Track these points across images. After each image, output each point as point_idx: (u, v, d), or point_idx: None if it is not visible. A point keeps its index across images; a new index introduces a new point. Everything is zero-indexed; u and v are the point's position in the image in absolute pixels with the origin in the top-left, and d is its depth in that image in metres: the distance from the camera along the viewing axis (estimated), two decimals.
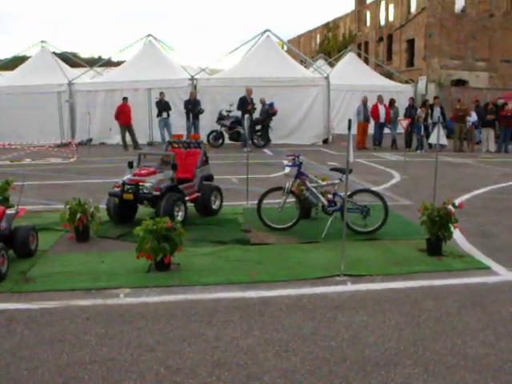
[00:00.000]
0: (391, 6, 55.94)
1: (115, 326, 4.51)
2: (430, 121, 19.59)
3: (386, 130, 21.38)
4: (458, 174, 14.05)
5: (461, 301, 5.07)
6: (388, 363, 3.86)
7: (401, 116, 20.11)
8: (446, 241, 6.39)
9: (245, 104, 19.76)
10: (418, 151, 19.57)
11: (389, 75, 35.64)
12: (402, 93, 28.46)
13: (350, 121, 5.61)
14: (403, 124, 14.29)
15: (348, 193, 7.33)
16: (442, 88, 36.69)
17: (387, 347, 4.11)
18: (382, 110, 20.56)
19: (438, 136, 8.13)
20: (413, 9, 51.29)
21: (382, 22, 58.32)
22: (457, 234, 7.18)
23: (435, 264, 6.12)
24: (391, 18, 56.00)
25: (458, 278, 5.73)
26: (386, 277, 5.70)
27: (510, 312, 4.83)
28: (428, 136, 19.48)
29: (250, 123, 19.36)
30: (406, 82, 33.52)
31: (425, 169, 14.02)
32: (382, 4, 58.09)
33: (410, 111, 20.14)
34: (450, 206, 6.37)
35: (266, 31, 23.98)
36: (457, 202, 9.63)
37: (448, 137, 20.20)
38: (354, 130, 20.44)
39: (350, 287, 5.41)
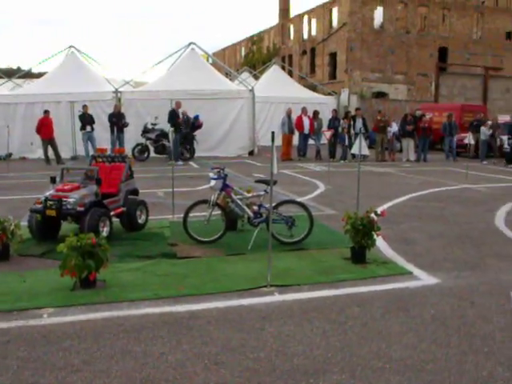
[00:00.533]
0: (314, 21, 57.21)
1: (38, 347, 4.34)
2: (352, 132, 20.11)
3: (311, 141, 21.79)
4: (380, 183, 14.48)
5: (385, 306, 5.21)
6: (316, 371, 3.91)
7: (324, 127, 20.57)
8: (369, 248, 6.56)
9: (174, 117, 19.61)
10: (342, 161, 20.05)
11: (312, 87, 36.36)
12: (325, 104, 29.15)
13: (273, 133, 5.68)
14: (327, 135, 14.63)
15: (273, 204, 7.45)
16: (364, 100, 37.77)
17: (315, 355, 4.17)
18: (306, 122, 20.92)
19: (359, 146, 8.35)
20: (334, 23, 52.65)
21: (306, 36, 59.50)
22: (380, 242, 7.40)
23: (360, 271, 6.27)
24: (314, 32, 57.26)
25: (382, 284, 5.89)
26: (312, 286, 5.78)
27: (431, 315, 5.01)
28: (351, 146, 20.05)
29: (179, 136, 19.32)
30: (329, 94, 34.28)
31: (348, 178, 14.36)
32: (305, 18, 59.31)
33: (334, 122, 20.64)
34: (373, 215, 6.55)
35: (190, 44, 23.97)
36: (379, 210, 9.94)
37: (370, 147, 20.89)
38: (279, 142, 20.75)
39: (277, 297, 5.45)
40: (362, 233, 6.40)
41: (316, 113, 21.69)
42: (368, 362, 4.05)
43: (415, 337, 4.52)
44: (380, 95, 45.63)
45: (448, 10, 54.63)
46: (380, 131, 20.79)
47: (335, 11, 52.78)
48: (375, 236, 6.51)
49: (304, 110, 21.19)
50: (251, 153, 22.72)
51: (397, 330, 4.65)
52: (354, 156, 19.89)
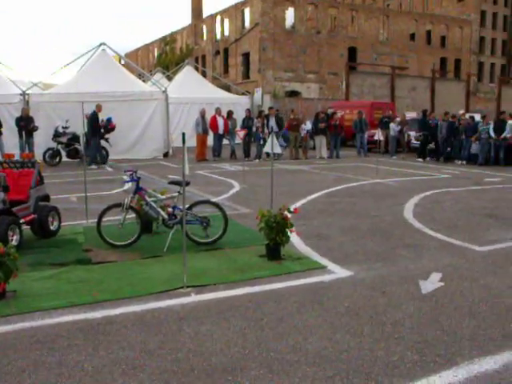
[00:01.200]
0: (226, 21, 57.46)
1: None
2: (266, 130, 20.36)
3: (225, 141, 21.87)
4: (294, 180, 14.75)
5: (300, 301, 5.33)
6: (234, 368, 3.95)
7: (238, 127, 20.72)
8: (283, 245, 6.67)
9: (95, 121, 19.14)
10: (257, 160, 20.25)
11: (226, 87, 36.51)
12: (239, 104, 29.36)
13: (183, 134, 5.68)
14: (240, 135, 14.73)
15: (187, 205, 7.45)
16: (277, 99, 38.31)
17: (233, 353, 4.21)
18: (220, 122, 20.95)
19: (271, 145, 8.47)
20: (247, 24, 53.09)
21: (218, 36, 59.65)
22: (295, 238, 7.54)
23: (275, 268, 6.37)
24: (227, 33, 57.53)
25: (297, 279, 6.01)
26: (228, 285, 5.82)
27: (345, 306, 5.17)
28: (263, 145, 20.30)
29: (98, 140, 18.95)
30: (243, 94, 34.53)
31: (263, 177, 14.54)
32: (218, 18, 59.45)
33: (248, 122, 20.81)
34: (286, 212, 6.67)
35: (101, 44, 23.46)
36: (292, 207, 10.15)
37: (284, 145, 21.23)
38: (194, 142, 20.71)
39: (194, 298, 5.45)
40: (275, 230, 6.51)
41: (230, 113, 21.78)
42: (285, 356, 4.13)
43: (330, 328, 4.65)
44: (293, 94, 46.46)
45: (356, 12, 56.45)
46: (293, 130, 21.17)
47: (247, 12, 53.29)
48: (289, 233, 6.63)
49: (218, 110, 21.21)
50: (166, 154, 22.54)
51: (312, 323, 4.77)
52: (268, 155, 20.15)
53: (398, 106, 34.52)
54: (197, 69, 39.25)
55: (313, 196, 11.85)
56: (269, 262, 6.61)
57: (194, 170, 17.40)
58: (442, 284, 5.86)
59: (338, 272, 6.25)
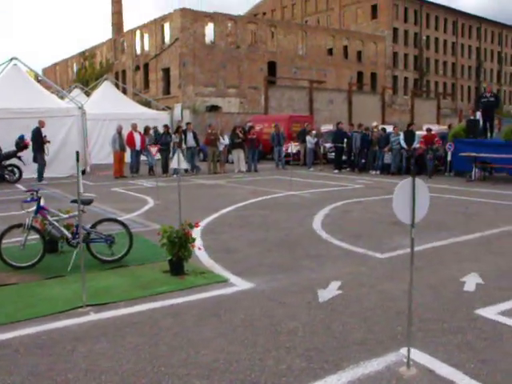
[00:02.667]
0: (146, 36, 57.12)
1: None
2: (184, 146, 20.38)
3: (143, 157, 21.70)
4: (210, 195, 14.82)
5: (199, 314, 5.38)
6: None
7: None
8: (186, 260, 6.71)
9: (39, 136, 18.81)
10: (175, 176, 20.18)
11: (147, 103, 36.25)
12: (158, 120, 29.13)
13: (77, 153, 5.61)
14: (152, 151, 14.68)
15: (91, 223, 7.38)
16: (197, 114, 38.38)
17: (124, 370, 4.20)
18: (137, 138, 20.78)
19: (178, 161, 8.51)
20: (167, 39, 52.99)
21: (139, 51, 59.22)
22: (202, 252, 7.64)
23: (178, 283, 6.40)
24: (147, 48, 57.19)
25: (199, 293, 6.05)
26: (129, 302, 5.79)
27: (241, 318, 5.26)
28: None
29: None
30: (163, 110, 34.39)
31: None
32: (138, 33, 59.04)
33: (166, 138, 20.74)
34: (188, 227, 6.72)
35: (12, 59, 22.77)
36: (204, 222, 10.25)
37: (204, 160, 21.32)
38: (111, 159, 20.44)
39: (93, 317, 5.39)
40: (178, 245, 6.54)
41: (147, 128, 21.64)
42: (176, 370, 4.16)
43: (224, 341, 4.72)
44: (214, 109, 46.65)
45: (275, 27, 57.43)
46: (211, 144, 21.28)
47: (167, 27, 53.25)
48: (191, 248, 6.68)
49: (134, 126, 21.02)
50: (83, 172, 22.07)
51: (207, 336, 4.82)
52: (186, 170, 20.19)
53: (316, 119, 35.35)
54: (117, 84, 38.76)
55: (226, 210, 11.95)
56: (172, 277, 6.62)
57: (110, 187, 17.20)
58: (340, 292, 6.06)
59: (240, 284, 6.35)
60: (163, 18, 53.11)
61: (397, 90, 72.21)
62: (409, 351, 4.20)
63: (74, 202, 7.82)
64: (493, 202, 13.40)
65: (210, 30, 51.53)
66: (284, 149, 23.70)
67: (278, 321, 5.18)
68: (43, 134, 19.29)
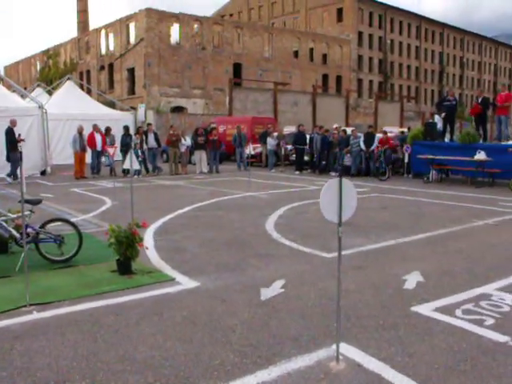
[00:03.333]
0: (111, 35, 56.71)
1: None
2: (145, 146, 20.38)
3: (104, 158, 21.61)
4: (169, 195, 14.88)
5: (141, 312, 5.47)
6: (58, 381, 4.02)
7: (117, 143, 20.58)
8: (134, 259, 6.80)
9: (12, 135, 18.59)
10: (136, 176, 20.16)
11: (111, 104, 36.02)
12: (122, 121, 28.97)
13: (20, 153, 5.66)
14: (110, 151, 14.67)
15: (41, 223, 7.41)
16: (161, 115, 38.28)
17: (60, 366, 4.27)
18: (98, 139, 20.69)
19: (131, 162, 8.58)
20: (132, 39, 52.70)
21: (104, 51, 58.74)
22: (152, 252, 7.74)
23: (125, 282, 6.47)
24: (112, 47, 56.77)
25: (144, 292, 6.14)
26: (73, 301, 5.84)
27: (182, 316, 5.37)
28: (144, 162, 20.32)
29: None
30: (128, 110, 34.22)
31: (138, 193, 14.52)
32: (103, 33, 58.55)
33: (126, 139, 20.70)
34: (135, 227, 6.80)
35: None
36: (160, 222, 10.33)
37: (167, 161, 21.35)
38: (72, 160, 20.31)
39: (35, 316, 5.43)
40: (125, 245, 6.62)
41: (108, 129, 21.55)
42: (111, 366, 4.25)
43: (163, 337, 4.82)
44: (179, 110, 46.57)
45: (241, 29, 57.59)
46: (172, 145, 21.32)
47: (132, 27, 52.97)
48: (139, 247, 6.76)
49: (96, 127, 20.93)
50: (43, 172, 21.90)
51: (147, 333, 4.92)
52: (148, 171, 20.20)
53: (280, 121, 35.62)
54: (81, 84, 38.42)
55: (182, 210, 12.03)
56: (119, 276, 6.70)
57: (69, 187, 17.11)
58: (283, 290, 6.22)
59: (185, 283, 6.46)
60: (128, 18, 52.82)
61: (362, 93, 73.09)
62: (338, 347, 4.37)
63: (20, 202, 7.85)
64: (446, 203, 13.78)
65: (175, 31, 51.47)
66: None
67: (217, 318, 5.31)
68: (17, 133, 19.01)
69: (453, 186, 18.04)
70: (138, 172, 20.36)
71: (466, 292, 6.23)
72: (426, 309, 5.66)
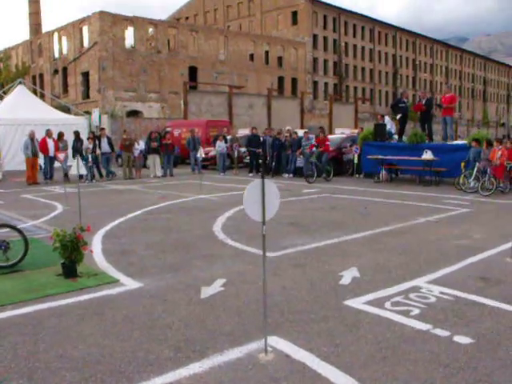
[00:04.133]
0: (64, 39, 56.09)
1: None
2: (98, 151, 20.38)
3: (57, 164, 21.46)
4: (121, 199, 14.97)
5: (83, 313, 5.64)
6: None
7: (70, 149, 20.50)
8: (79, 263, 6.95)
9: None
10: (87, 181, 20.12)
11: (66, 108, 35.68)
12: (75, 125, 28.74)
13: None
14: (60, 157, 14.68)
15: None
16: (116, 119, 38.11)
17: None
18: (50, 144, 20.56)
19: (77, 167, 8.71)
20: (86, 42, 52.24)
21: (57, 55, 58.01)
22: (99, 256, 7.87)
23: (69, 285, 6.63)
24: (65, 51, 56.16)
25: (88, 294, 6.30)
26: (17, 304, 5.97)
27: (123, 315, 5.56)
28: (98, 166, 20.31)
29: None
30: (82, 115, 33.95)
31: (90, 198, 14.61)
32: (56, 36, 57.83)
33: (76, 144, 20.61)
34: (79, 231, 6.96)
35: None
36: (109, 226, 10.46)
37: (122, 165, 21.35)
38: (24, 166, 20.15)
39: None
40: (70, 248, 6.78)
41: (61, 134, 21.44)
42: (50, 365, 4.43)
43: (102, 336, 5.02)
44: (135, 114, 46.40)
45: (196, 32, 57.67)
46: (126, 150, 21.36)
47: (86, 30, 52.52)
48: (83, 250, 6.92)
49: (48, 132, 20.81)
50: None
51: (87, 333, 5.11)
52: (101, 175, 20.20)
53: (235, 124, 35.92)
54: (34, 89, 37.91)
55: (133, 214, 12.16)
56: (65, 280, 6.84)
57: (20, 193, 17.00)
58: (223, 289, 6.47)
59: (129, 284, 6.65)
60: (82, 21, 52.35)
61: (317, 95, 74.01)
62: (266, 339, 4.65)
63: None
64: (392, 201, 14.26)
65: (129, 34, 51.24)
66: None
67: (156, 316, 5.53)
68: None
69: (402, 185, 18.62)
70: (91, 177, 20.35)
71: (398, 285, 6.60)
72: (357, 302, 5.98)
